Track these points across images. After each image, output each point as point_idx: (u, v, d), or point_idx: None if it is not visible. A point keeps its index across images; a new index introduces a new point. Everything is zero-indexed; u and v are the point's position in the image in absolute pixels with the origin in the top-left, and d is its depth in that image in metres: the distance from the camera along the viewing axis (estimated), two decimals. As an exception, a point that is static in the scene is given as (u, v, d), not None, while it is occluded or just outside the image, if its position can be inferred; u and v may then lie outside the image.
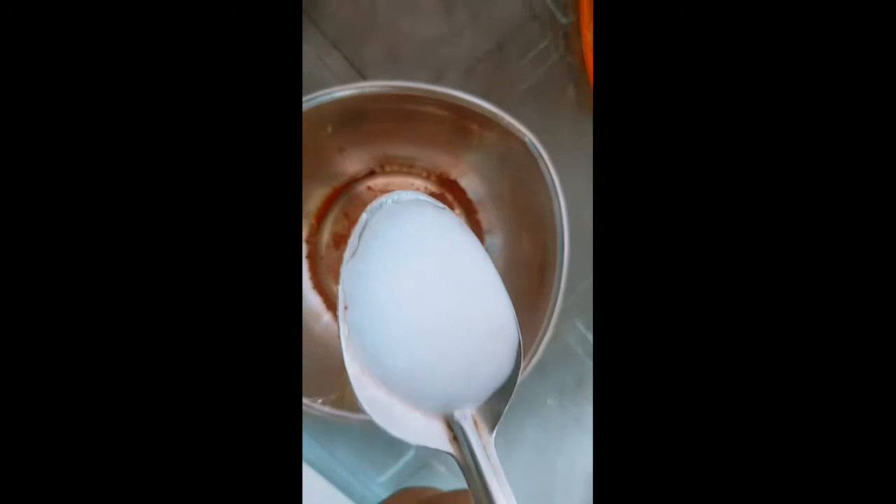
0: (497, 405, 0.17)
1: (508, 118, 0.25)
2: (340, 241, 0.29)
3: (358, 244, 0.18)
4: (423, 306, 0.17)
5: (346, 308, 0.18)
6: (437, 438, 0.16)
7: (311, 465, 0.30)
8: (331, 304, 0.29)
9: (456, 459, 0.16)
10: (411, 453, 0.31)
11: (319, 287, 0.29)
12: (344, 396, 0.25)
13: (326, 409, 0.24)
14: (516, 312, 0.26)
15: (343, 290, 0.17)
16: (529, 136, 0.25)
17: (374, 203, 0.18)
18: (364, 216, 0.18)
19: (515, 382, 0.17)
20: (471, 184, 0.29)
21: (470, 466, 0.16)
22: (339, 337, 0.17)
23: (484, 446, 0.16)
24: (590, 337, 0.33)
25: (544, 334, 0.26)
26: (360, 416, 0.24)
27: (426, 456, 0.31)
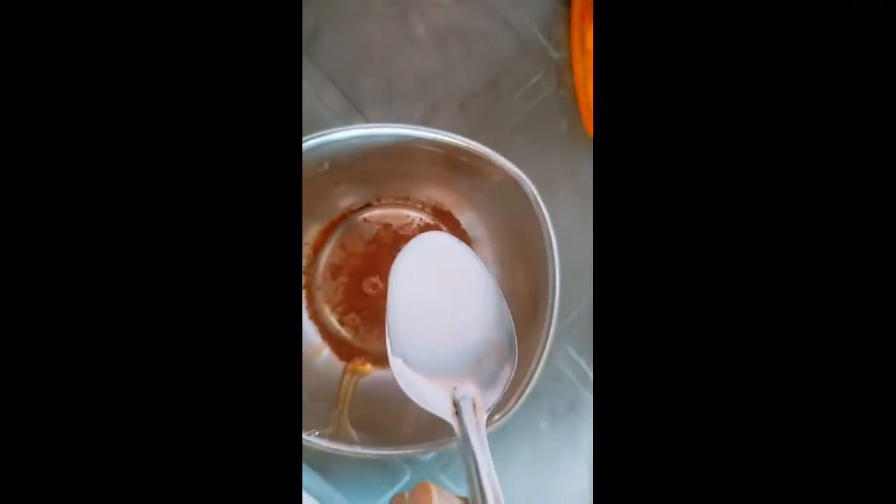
0: (491, 395, 0.22)
1: (501, 158, 0.25)
2: (337, 272, 0.30)
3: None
4: (442, 315, 0.23)
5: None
6: (444, 410, 0.21)
7: (307, 490, 0.31)
8: (328, 335, 0.30)
9: (454, 428, 0.21)
10: (407, 478, 0.32)
11: (316, 317, 0.30)
12: (339, 429, 0.26)
13: (323, 442, 0.25)
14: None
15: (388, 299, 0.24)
16: (521, 175, 0.25)
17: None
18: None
19: (508, 380, 0.22)
20: (465, 216, 0.30)
21: (463, 435, 0.20)
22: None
23: (477, 422, 0.21)
24: (581, 362, 0.34)
25: (539, 361, 0.27)
26: (355, 449, 0.25)
27: (422, 479, 0.32)
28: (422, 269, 0.24)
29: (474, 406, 0.21)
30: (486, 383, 0.22)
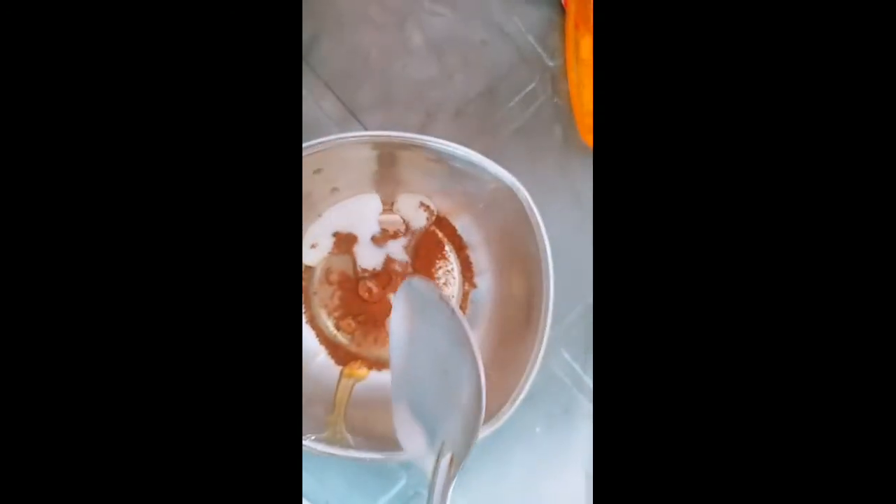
0: (462, 454, 0.23)
1: (495, 165, 0.25)
2: (333, 276, 0.30)
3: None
4: (432, 372, 0.24)
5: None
6: (427, 463, 0.23)
7: (304, 495, 0.31)
8: (325, 339, 0.30)
9: (428, 476, 0.23)
10: (402, 483, 0.32)
11: (313, 322, 0.30)
12: (335, 434, 0.26)
13: (319, 446, 0.25)
14: (506, 346, 0.27)
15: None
16: (515, 182, 0.26)
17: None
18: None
19: (471, 445, 0.23)
20: (461, 221, 0.30)
21: (432, 489, 0.22)
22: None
23: (449, 475, 0.22)
24: (575, 366, 0.34)
25: (533, 365, 0.27)
26: (350, 454, 0.25)
27: (416, 485, 0.32)
28: (412, 324, 0.25)
29: (451, 461, 0.22)
30: (464, 437, 0.23)
